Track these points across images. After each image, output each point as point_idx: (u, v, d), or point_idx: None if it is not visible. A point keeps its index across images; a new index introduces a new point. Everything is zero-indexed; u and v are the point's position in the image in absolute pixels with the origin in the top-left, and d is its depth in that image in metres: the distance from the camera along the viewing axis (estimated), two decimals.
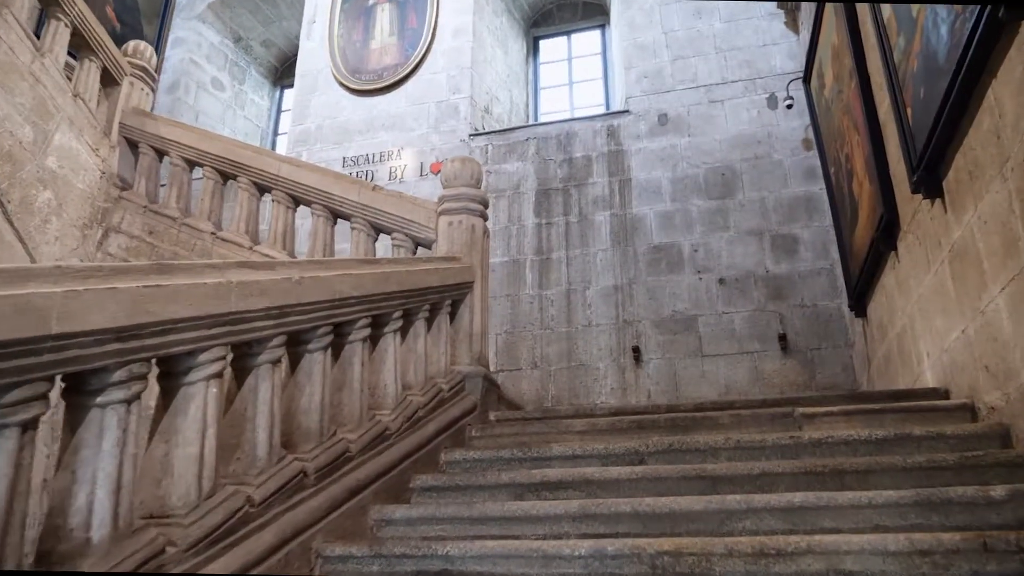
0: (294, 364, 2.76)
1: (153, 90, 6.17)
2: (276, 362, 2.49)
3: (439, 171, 7.79)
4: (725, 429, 3.46)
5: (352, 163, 8.31)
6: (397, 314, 3.41)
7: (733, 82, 7.34)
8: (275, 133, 10.90)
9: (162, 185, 5.72)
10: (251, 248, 5.01)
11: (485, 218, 4.66)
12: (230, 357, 2.44)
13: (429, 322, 3.96)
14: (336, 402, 2.97)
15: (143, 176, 5.62)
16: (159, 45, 9.81)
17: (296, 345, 2.75)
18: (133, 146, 5.77)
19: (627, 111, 7.54)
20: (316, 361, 2.76)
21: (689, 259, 6.76)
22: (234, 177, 5.30)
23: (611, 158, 7.37)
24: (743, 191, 6.87)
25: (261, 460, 2.37)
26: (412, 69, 8.50)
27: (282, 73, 11.26)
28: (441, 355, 3.97)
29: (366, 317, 3.09)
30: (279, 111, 11.12)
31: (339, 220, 5.01)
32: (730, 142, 7.09)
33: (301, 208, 5.15)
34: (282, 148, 9.65)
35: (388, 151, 8.19)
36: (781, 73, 7.16)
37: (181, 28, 10.06)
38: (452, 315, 4.29)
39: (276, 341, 2.48)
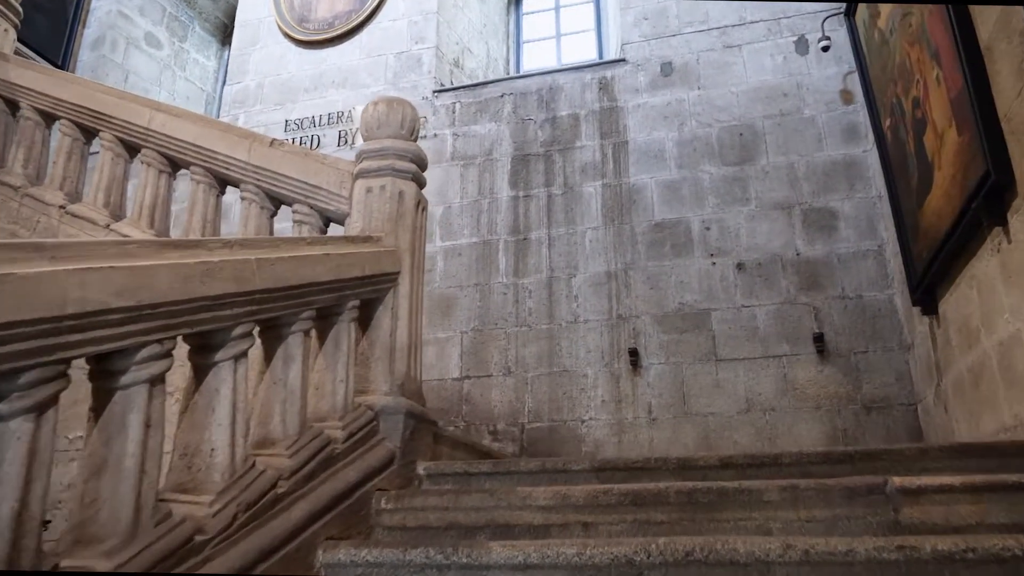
0: None
1: (15, 26, 4.82)
2: None
3: None
4: (773, 510, 2.15)
5: (296, 127, 6.96)
6: (240, 330, 2.09)
7: (753, 23, 5.98)
8: (223, 98, 9.52)
9: None
10: (108, 226, 3.69)
11: (421, 183, 3.34)
12: None
13: (322, 335, 2.66)
14: (88, 498, 1.67)
15: None
16: None
17: None
18: None
19: (623, 60, 6.17)
20: (15, 435, 1.45)
21: (700, 239, 5.43)
22: (97, 133, 3.97)
23: (603, 116, 6.02)
24: (766, 155, 5.53)
25: None
26: (368, 15, 7.13)
27: (232, 30, 9.85)
28: (338, 384, 2.66)
29: (159, 341, 1.78)
30: (228, 73, 9.73)
31: (231, 188, 3.70)
32: (750, 95, 5.74)
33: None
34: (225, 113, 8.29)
35: (338, 112, 6.84)
36: (812, 11, 5.79)
37: None
38: (364, 321, 2.98)
39: None
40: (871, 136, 5.07)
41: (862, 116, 5.32)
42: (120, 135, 3.86)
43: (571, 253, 5.71)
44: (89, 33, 8.46)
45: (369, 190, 3.19)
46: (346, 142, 6.68)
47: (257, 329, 2.40)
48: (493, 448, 4.92)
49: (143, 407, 1.74)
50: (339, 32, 7.12)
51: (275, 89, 7.27)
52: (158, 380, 1.80)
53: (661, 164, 5.72)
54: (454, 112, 6.46)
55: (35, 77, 4.21)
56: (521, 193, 6.01)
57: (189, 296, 1.85)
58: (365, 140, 3.33)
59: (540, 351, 5.53)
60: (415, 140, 3.37)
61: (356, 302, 2.78)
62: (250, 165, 3.47)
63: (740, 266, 5.28)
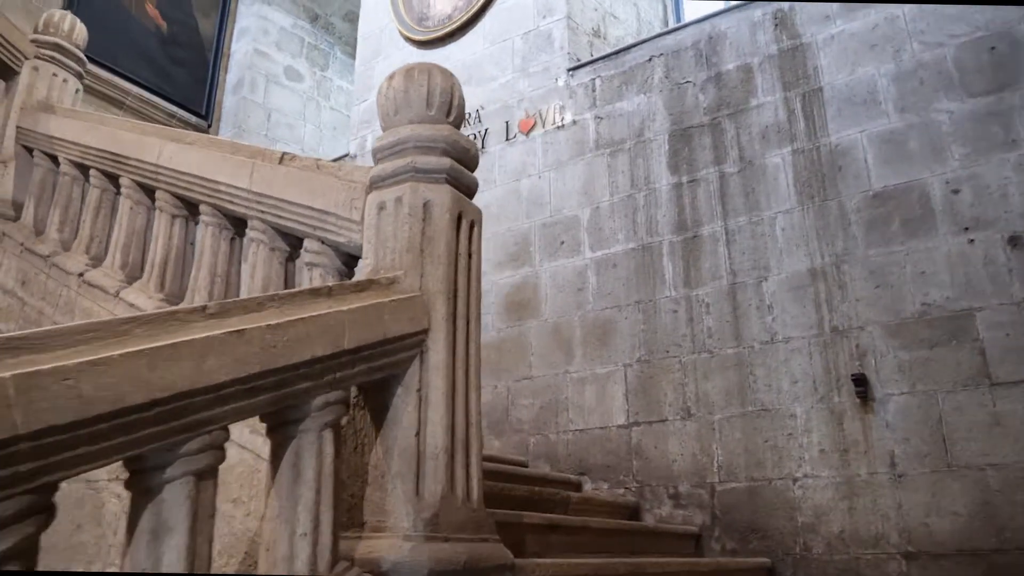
0: None
1: (80, 75, 4.33)
2: None
3: (530, 130, 5.39)
4: None
5: None
6: None
7: None
8: (350, 121, 9.01)
9: None
10: (117, 294, 2.92)
11: (465, 186, 2.21)
12: None
13: (275, 458, 1.62)
14: None
15: (33, 198, 3.75)
16: (221, 40, 8.29)
17: None
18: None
19: None
20: None
21: (944, 208, 3.77)
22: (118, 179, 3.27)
23: (784, 61, 4.51)
24: None
25: None
26: None
27: None
28: (299, 541, 1.59)
29: None
30: (354, 92, 9.21)
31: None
32: None
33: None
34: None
35: (465, 114, 5.87)
36: None
37: (243, 16, 8.44)
38: (376, 413, 1.90)
39: None
40: None
41: None
42: (136, 178, 3.12)
43: (758, 249, 4.27)
44: (230, 78, 8.26)
45: (381, 207, 2.10)
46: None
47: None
48: (663, 532, 3.64)
49: None
50: (459, 23, 6.17)
51: None
52: None
53: (873, 111, 4.12)
54: (593, 90, 5.24)
55: (69, 125, 3.62)
56: (684, 178, 4.65)
57: None
58: (383, 130, 2.26)
59: (727, 384, 4.14)
60: (455, 121, 2.24)
61: (334, 395, 1.70)
62: (252, 193, 2.53)
63: (1014, 241, 3.56)
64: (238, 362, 1.45)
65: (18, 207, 3.84)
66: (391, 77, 2.25)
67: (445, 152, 2.13)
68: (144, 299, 2.78)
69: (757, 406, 4.01)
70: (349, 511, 1.88)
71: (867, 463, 3.63)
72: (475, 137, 5.73)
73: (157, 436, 1.33)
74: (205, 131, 7.88)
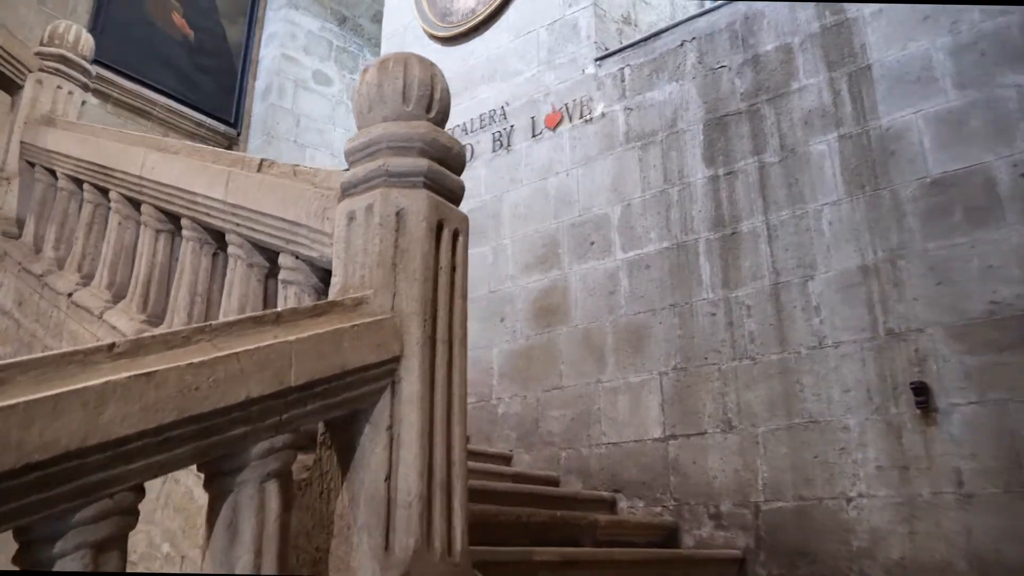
0: None
1: (86, 87, 4.20)
2: None
3: (557, 124, 5.11)
4: None
5: None
6: None
7: None
8: None
9: None
10: (101, 315, 2.74)
11: (446, 191, 1.94)
12: None
13: (211, 514, 1.39)
14: None
15: (34, 215, 3.63)
16: (249, 46, 8.19)
17: None
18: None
19: None
20: None
21: (1013, 194, 3.37)
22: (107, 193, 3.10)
23: (827, 39, 4.13)
24: None
25: None
26: None
27: None
28: None
29: None
30: None
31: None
32: None
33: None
34: None
35: (490, 111, 5.62)
36: None
37: (271, 22, 8.33)
38: (343, 452, 1.66)
39: None
40: None
41: None
42: (123, 191, 2.94)
43: (802, 245, 3.92)
44: (258, 85, 8.16)
45: (351, 216, 1.86)
46: (501, 145, 5.44)
47: None
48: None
49: None
50: (483, 17, 5.92)
51: None
52: None
53: (929, 88, 3.72)
54: (622, 80, 4.92)
55: (65, 139, 3.47)
56: (721, 171, 4.32)
57: None
58: (358, 129, 2.01)
59: (771, 394, 3.80)
60: (436, 117, 1.97)
61: (281, 439, 1.46)
62: (227, 204, 2.32)
63: None
64: (146, 411, 1.22)
65: (21, 224, 3.72)
66: (366, 71, 2.00)
67: (422, 152, 1.87)
68: (126, 321, 2.60)
69: (805, 418, 3.66)
70: (315, 565, 1.64)
71: (930, 481, 3.25)
72: (501, 135, 5.47)
73: (38, 505, 1.11)
74: (235, 139, 7.79)
